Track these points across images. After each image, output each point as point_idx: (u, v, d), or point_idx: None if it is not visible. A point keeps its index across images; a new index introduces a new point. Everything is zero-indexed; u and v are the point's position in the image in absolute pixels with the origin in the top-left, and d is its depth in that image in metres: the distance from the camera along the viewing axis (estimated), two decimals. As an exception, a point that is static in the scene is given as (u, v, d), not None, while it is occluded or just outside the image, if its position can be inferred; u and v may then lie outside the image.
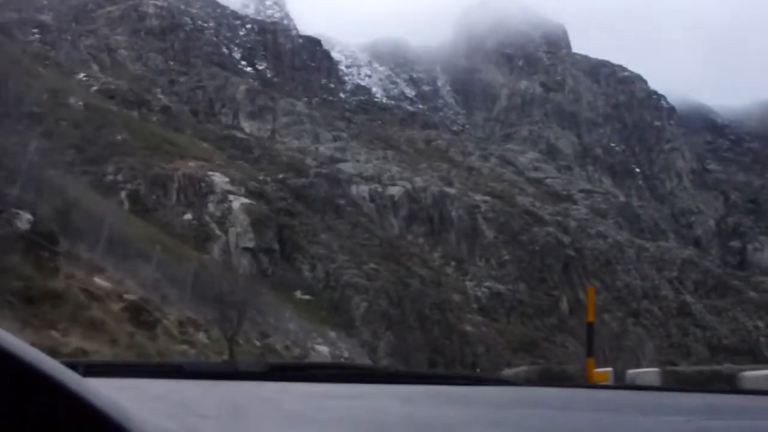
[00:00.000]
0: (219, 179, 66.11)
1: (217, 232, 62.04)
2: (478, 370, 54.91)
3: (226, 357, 20.19)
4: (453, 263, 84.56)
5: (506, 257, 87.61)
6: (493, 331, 72.07)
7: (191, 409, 1.52)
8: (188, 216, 61.27)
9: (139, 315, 17.35)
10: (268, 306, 34.74)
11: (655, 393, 2.28)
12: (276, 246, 65.72)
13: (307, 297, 61.24)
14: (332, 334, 47.37)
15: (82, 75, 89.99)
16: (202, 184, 65.16)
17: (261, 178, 75.38)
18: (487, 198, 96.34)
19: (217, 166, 69.78)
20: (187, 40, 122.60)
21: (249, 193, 67.28)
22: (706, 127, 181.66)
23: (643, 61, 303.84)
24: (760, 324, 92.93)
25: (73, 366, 1.10)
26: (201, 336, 22.00)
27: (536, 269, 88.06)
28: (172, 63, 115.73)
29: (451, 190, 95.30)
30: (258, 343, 26.15)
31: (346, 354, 45.23)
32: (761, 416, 1.75)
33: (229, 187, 66.11)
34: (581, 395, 2.15)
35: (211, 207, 64.08)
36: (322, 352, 37.87)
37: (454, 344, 62.77)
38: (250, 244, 62.77)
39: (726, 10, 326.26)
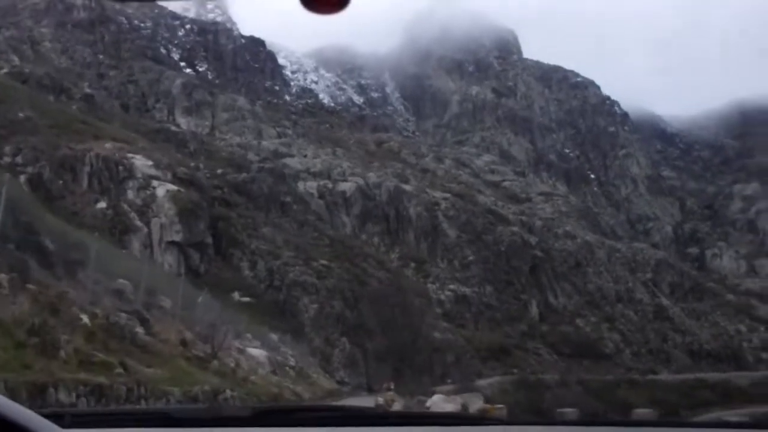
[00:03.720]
0: (141, 162, 56.04)
1: (138, 222, 52.09)
2: (449, 381, 47.66)
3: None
4: (413, 264, 75.86)
5: (470, 258, 79.18)
6: (461, 337, 63.54)
7: None
8: (102, 204, 51.30)
9: None
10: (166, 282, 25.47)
11: (652, 428, 2.20)
12: (209, 239, 56.12)
13: (246, 299, 51.75)
14: (273, 337, 38.17)
15: (-7, 60, 79.82)
16: (120, 168, 55.21)
17: (192, 165, 65.57)
18: (447, 195, 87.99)
19: (139, 149, 59.68)
20: (119, 32, 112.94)
21: (177, 180, 57.41)
22: (656, 135, 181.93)
23: (593, 68, 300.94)
24: (743, 328, 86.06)
25: (59, 416, 1.15)
26: None
27: (502, 271, 79.91)
28: (101, 56, 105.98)
29: (408, 187, 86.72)
30: (105, 320, 15.43)
31: (291, 362, 36.51)
32: None
33: (152, 171, 56.08)
34: None
35: (130, 194, 54.18)
36: (256, 356, 28.79)
37: (422, 353, 53.85)
38: (177, 237, 53.01)
39: (676, 21, 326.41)
